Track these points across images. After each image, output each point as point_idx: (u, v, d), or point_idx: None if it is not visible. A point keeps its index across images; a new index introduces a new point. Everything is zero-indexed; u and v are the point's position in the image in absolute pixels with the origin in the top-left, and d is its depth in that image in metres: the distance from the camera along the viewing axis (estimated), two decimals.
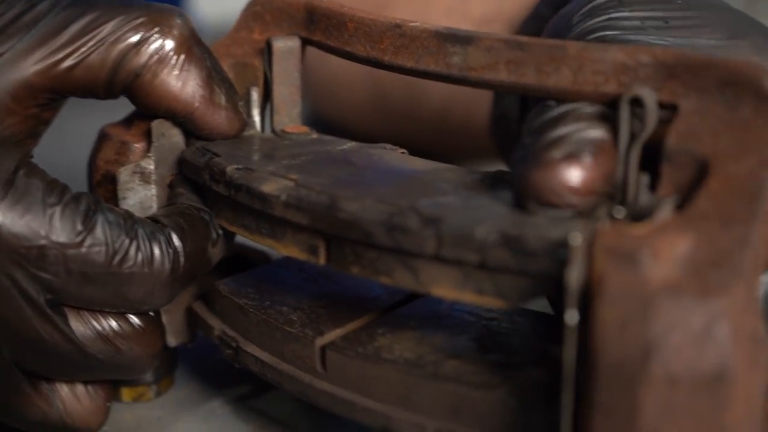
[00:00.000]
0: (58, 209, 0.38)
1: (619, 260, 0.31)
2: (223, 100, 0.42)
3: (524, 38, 0.37)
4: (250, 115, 0.45)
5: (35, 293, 0.39)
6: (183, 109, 0.42)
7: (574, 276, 0.31)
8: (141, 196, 0.43)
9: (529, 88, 0.37)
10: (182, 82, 0.41)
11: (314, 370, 0.39)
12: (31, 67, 0.39)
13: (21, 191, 0.38)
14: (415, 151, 0.43)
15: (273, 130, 0.45)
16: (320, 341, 0.39)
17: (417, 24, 0.40)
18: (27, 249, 0.38)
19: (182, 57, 0.41)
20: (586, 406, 0.31)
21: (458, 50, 0.38)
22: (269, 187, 0.38)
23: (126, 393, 0.46)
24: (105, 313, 0.40)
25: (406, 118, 0.59)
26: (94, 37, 0.40)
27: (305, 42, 0.45)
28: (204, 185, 0.41)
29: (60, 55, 0.40)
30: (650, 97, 0.34)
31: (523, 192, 0.35)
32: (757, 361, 0.30)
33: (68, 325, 0.40)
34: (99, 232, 0.39)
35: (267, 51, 0.45)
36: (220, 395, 0.47)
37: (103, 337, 0.40)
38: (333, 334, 0.39)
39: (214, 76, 0.42)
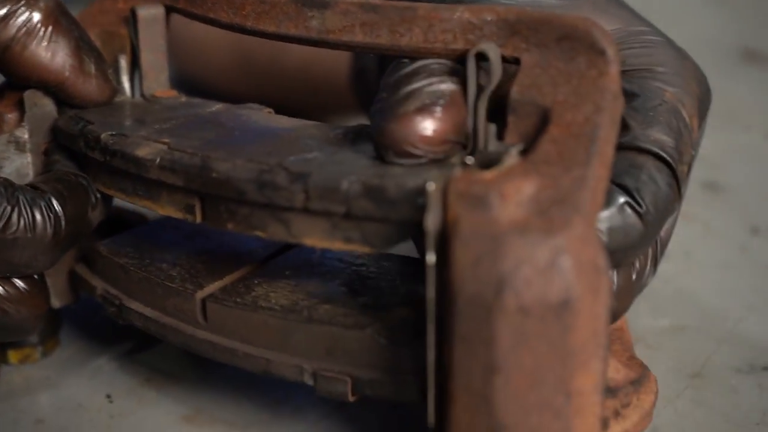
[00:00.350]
0: None
1: (470, 203, 0.34)
2: (92, 68, 0.44)
3: (377, 1, 0.40)
4: (119, 82, 0.46)
5: None
6: (54, 79, 0.43)
7: (431, 220, 0.34)
8: (17, 164, 0.45)
9: (384, 48, 0.40)
10: (51, 53, 0.43)
11: (196, 322, 0.41)
12: None
13: None
14: (281, 109, 0.45)
15: (142, 95, 0.47)
16: (200, 294, 0.41)
17: None
18: None
19: (50, 28, 0.43)
20: (448, 338, 0.34)
21: (316, 14, 0.41)
22: (143, 152, 0.40)
23: (12, 355, 0.47)
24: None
25: (269, 76, 0.61)
26: None
27: (169, 9, 0.46)
28: (79, 152, 0.43)
29: None
30: (494, 52, 0.37)
31: (381, 143, 0.38)
32: (598, 289, 0.34)
33: None
34: None
35: (132, 19, 0.46)
36: (106, 353, 0.49)
37: None
38: (212, 287, 0.42)
39: (82, 46, 0.44)
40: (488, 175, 0.35)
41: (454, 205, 0.34)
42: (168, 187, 0.40)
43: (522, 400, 0.34)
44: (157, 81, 0.47)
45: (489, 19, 0.38)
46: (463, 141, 0.38)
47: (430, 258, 0.34)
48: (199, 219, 0.40)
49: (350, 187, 0.36)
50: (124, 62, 0.47)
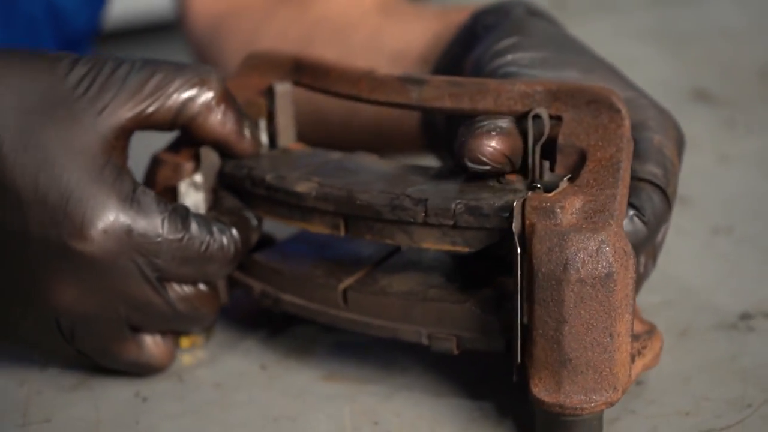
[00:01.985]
0: (166, 215, 0.57)
1: (542, 214, 0.52)
2: (247, 132, 0.62)
3: (459, 78, 0.58)
4: (260, 139, 0.64)
5: (150, 273, 0.57)
6: (223, 141, 0.61)
7: (516, 225, 0.52)
8: (194, 200, 0.62)
9: (465, 111, 0.57)
10: (222, 124, 0.60)
11: (338, 306, 0.59)
12: (125, 114, 0.58)
13: (140, 203, 0.57)
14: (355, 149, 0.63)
15: (278, 148, 0.64)
16: (341, 286, 0.59)
17: (384, 72, 0.60)
18: (148, 244, 0.57)
19: (222, 106, 0.60)
20: (530, 301, 0.52)
21: (415, 89, 0.59)
22: (301, 188, 0.58)
23: (184, 341, 0.64)
24: (188, 284, 0.59)
25: (344, 128, 0.79)
26: (165, 92, 0.58)
27: (296, 84, 0.64)
28: (243, 189, 0.60)
29: (144, 105, 0.58)
30: (545, 113, 0.55)
31: (461, 154, 0.55)
32: (627, 267, 0.52)
33: (167, 293, 0.58)
34: (193, 230, 0.58)
35: (270, 92, 0.64)
36: (250, 337, 0.66)
37: (186, 300, 0.59)
38: (348, 281, 0.59)
39: (241, 116, 0.61)
40: (551, 195, 0.53)
41: (531, 215, 0.52)
42: (319, 212, 0.58)
43: (581, 341, 0.52)
44: (288, 137, 0.64)
45: (539, 89, 0.56)
46: (515, 161, 0.56)
47: (518, 249, 0.52)
48: (342, 233, 0.58)
49: (456, 207, 0.54)
50: (263, 124, 0.64)
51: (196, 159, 0.62)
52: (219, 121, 0.60)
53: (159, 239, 0.57)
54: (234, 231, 0.59)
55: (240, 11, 0.90)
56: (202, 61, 0.93)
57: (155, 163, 0.63)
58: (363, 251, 0.63)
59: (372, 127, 0.78)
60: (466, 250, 0.55)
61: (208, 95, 0.59)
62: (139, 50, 1.20)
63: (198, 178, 0.62)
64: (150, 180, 0.62)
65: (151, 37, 1.69)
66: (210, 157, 0.62)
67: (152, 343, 0.61)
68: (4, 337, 0.61)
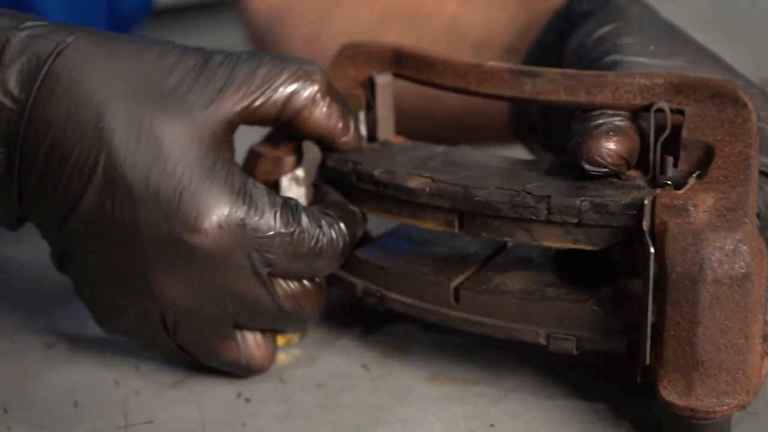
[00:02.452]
0: (278, 209, 0.55)
1: (674, 212, 0.50)
2: (351, 125, 0.60)
3: (575, 71, 0.56)
4: (361, 132, 0.62)
5: (261, 268, 0.56)
6: (327, 135, 0.59)
7: (647, 223, 0.51)
8: (295, 195, 0.60)
9: (582, 104, 0.56)
10: (328, 118, 0.59)
11: (449, 304, 0.57)
12: (234, 107, 0.56)
13: (252, 197, 0.55)
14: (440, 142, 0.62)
15: (377, 141, 0.62)
16: (453, 284, 0.57)
17: (494, 64, 0.58)
18: (261, 238, 0.55)
19: (327, 99, 0.58)
20: (660, 302, 0.51)
21: (528, 81, 0.57)
22: (413, 183, 0.56)
23: (280, 339, 0.63)
24: (294, 281, 0.58)
25: (425, 121, 0.77)
26: (271, 85, 0.57)
27: (396, 76, 0.62)
28: (348, 184, 0.59)
29: (251, 98, 0.56)
30: (667, 107, 0.54)
31: (579, 156, 0.54)
32: (762, 266, 0.50)
33: (275, 290, 0.57)
34: (304, 223, 0.56)
35: (370, 84, 0.62)
36: (344, 335, 0.64)
37: (293, 297, 0.58)
38: (459, 279, 0.58)
39: (345, 109, 0.60)
40: (682, 192, 0.51)
41: (662, 213, 0.51)
42: (432, 208, 0.56)
43: (715, 342, 0.50)
44: (387, 130, 0.63)
45: (659, 82, 0.54)
46: (632, 160, 0.54)
47: (650, 249, 0.51)
48: (456, 230, 0.56)
49: (581, 204, 0.52)
50: (362, 116, 0.62)
51: (297, 153, 0.60)
52: (324, 114, 0.59)
53: (271, 233, 0.55)
54: (342, 225, 0.58)
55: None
56: (260, 46, 0.92)
57: (254, 156, 0.61)
58: (467, 247, 0.61)
59: (457, 117, 0.76)
60: (589, 248, 0.53)
61: (314, 88, 0.58)
62: (189, 29, 1.18)
63: (300, 172, 0.60)
64: (249, 174, 0.61)
65: (202, 16, 1.66)
66: (312, 151, 0.60)
67: (253, 343, 0.59)
68: (108, 326, 0.59)
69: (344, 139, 0.60)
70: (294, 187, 0.60)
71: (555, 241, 0.54)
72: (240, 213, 0.55)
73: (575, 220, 0.53)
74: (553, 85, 0.56)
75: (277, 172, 0.60)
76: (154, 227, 0.55)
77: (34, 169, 0.55)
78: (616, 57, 0.60)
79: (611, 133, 0.54)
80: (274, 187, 0.60)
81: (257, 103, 0.57)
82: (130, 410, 0.58)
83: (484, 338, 0.58)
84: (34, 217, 0.58)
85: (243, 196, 0.55)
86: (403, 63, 0.62)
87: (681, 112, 0.54)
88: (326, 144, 0.60)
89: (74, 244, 0.56)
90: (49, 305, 0.69)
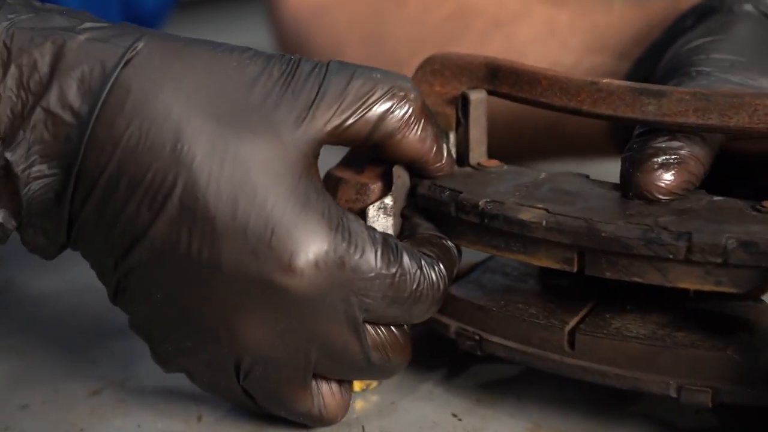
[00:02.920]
0: (379, 247, 0.49)
1: None
2: (444, 149, 0.54)
3: (707, 91, 0.50)
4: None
5: (357, 314, 0.49)
6: (420, 159, 0.53)
7: None
8: (383, 226, 0.54)
9: (714, 128, 0.50)
10: (422, 141, 0.52)
11: (562, 350, 0.51)
12: (324, 126, 0.49)
13: (351, 232, 0.49)
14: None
15: (470, 165, 0.56)
16: (567, 327, 0.51)
17: (611, 81, 0.52)
18: (361, 280, 0.49)
19: (422, 121, 0.52)
20: None
21: (652, 102, 0.51)
22: (526, 216, 0.50)
23: (357, 384, 0.56)
24: (384, 328, 0.51)
25: (512, 133, 0.71)
26: (365, 102, 0.50)
27: (491, 93, 0.56)
28: (445, 215, 0.53)
29: (344, 117, 0.50)
30: None
31: (626, 185, 0.50)
32: None
33: (366, 339, 0.50)
34: (405, 264, 0.50)
35: (462, 101, 0.56)
36: (427, 379, 0.58)
37: (381, 347, 0.51)
38: (573, 321, 0.52)
39: (440, 132, 0.53)
40: None
41: None
42: (547, 244, 0.50)
43: None
44: (480, 152, 0.57)
45: None
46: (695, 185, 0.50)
47: None
48: (576, 269, 0.50)
49: (727, 242, 0.46)
50: (452, 137, 0.56)
51: (385, 179, 0.54)
52: (418, 137, 0.52)
53: (372, 274, 0.49)
54: (442, 266, 0.52)
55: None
56: (295, 49, 0.85)
57: (334, 182, 0.55)
58: (572, 284, 0.55)
59: (550, 126, 0.70)
60: (732, 291, 0.48)
61: (408, 109, 0.52)
62: (210, 23, 1.10)
63: (389, 200, 0.54)
64: None
65: (223, 10, 1.58)
66: (402, 177, 0.54)
67: (328, 392, 0.53)
68: (169, 366, 0.53)
69: (438, 164, 0.54)
70: (382, 218, 0.54)
71: (693, 282, 0.48)
72: (339, 251, 0.48)
73: (719, 260, 0.47)
74: (680, 106, 0.50)
75: (363, 200, 0.54)
76: (239, 265, 0.48)
77: (93, 194, 0.48)
78: (705, 69, 0.54)
79: (667, 165, 0.50)
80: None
81: (349, 122, 0.50)
82: None
83: (581, 384, 0.52)
84: (86, 246, 0.51)
85: (341, 231, 0.49)
86: (500, 78, 0.56)
87: None
88: (419, 169, 0.54)
89: (136, 277, 0.50)
90: (89, 344, 0.62)
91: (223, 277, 0.48)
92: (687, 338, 0.50)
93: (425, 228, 0.54)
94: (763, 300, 0.52)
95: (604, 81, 0.52)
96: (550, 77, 0.54)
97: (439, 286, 0.51)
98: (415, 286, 0.50)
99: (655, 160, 0.50)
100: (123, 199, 0.48)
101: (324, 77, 0.50)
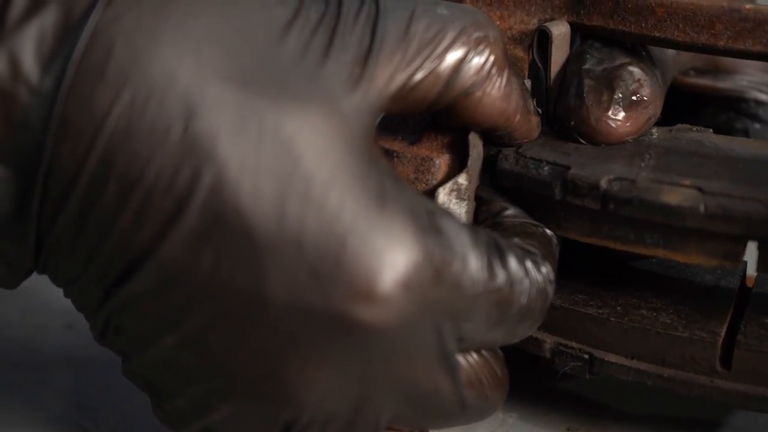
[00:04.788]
0: (484, 249, 0.35)
1: None
2: (532, 106, 0.40)
3: None
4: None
5: (452, 345, 0.35)
6: (505, 122, 0.39)
7: None
8: (456, 214, 0.40)
9: None
10: (507, 98, 0.38)
11: (713, 371, 0.38)
12: (388, 86, 0.35)
13: (445, 234, 0.35)
14: None
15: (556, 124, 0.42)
16: (720, 341, 0.38)
17: (759, 7, 0.39)
18: (461, 299, 0.35)
19: (506, 71, 0.38)
20: None
21: None
22: (674, 198, 0.37)
23: None
24: (478, 358, 0.37)
25: None
26: (433, 50, 0.36)
27: (576, 27, 0.42)
28: (546, 198, 0.39)
29: (409, 72, 0.36)
30: None
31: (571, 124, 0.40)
32: None
33: (460, 376, 0.36)
34: (513, 270, 0.36)
35: (540, 39, 0.42)
36: None
37: (476, 383, 0.38)
38: (722, 331, 0.39)
39: (525, 86, 0.39)
40: None
41: None
42: (701, 235, 0.37)
43: None
44: None
45: None
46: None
47: None
48: (739, 266, 0.37)
49: None
50: (528, 86, 0.42)
51: (455, 151, 0.40)
52: (502, 94, 0.38)
53: (478, 291, 0.35)
54: (548, 265, 0.38)
55: None
56: None
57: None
58: (701, 277, 0.42)
59: None
60: None
61: (489, 56, 0.37)
62: None
63: (462, 180, 0.39)
64: None
65: None
66: (477, 146, 0.40)
67: None
68: (184, 428, 0.37)
69: (525, 128, 0.40)
70: (454, 202, 0.39)
71: None
72: (435, 261, 0.34)
73: None
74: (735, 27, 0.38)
75: (426, 180, 0.39)
76: (293, 295, 0.33)
77: (69, 202, 0.33)
78: None
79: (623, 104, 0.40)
80: None
81: (417, 77, 0.36)
82: None
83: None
84: (60, 272, 0.35)
85: (433, 232, 0.34)
86: (591, 7, 0.42)
87: None
88: (499, 137, 0.40)
89: (137, 313, 0.34)
90: (65, 389, 0.46)
91: (269, 311, 0.33)
92: None
93: (513, 215, 0.40)
94: None
95: (749, 7, 0.39)
96: (668, 4, 0.40)
97: (548, 293, 0.37)
98: (525, 300, 0.36)
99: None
100: (113, 208, 0.33)
101: (377, 19, 0.35)
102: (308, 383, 0.35)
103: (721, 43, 0.39)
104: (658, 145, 0.40)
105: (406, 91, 0.36)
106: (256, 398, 0.35)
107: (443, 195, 0.39)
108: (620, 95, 0.40)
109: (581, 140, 0.40)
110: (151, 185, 0.32)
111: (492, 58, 0.37)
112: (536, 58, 0.42)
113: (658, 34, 0.40)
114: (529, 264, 0.37)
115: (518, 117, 0.39)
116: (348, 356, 0.34)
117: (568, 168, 0.39)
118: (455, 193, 0.39)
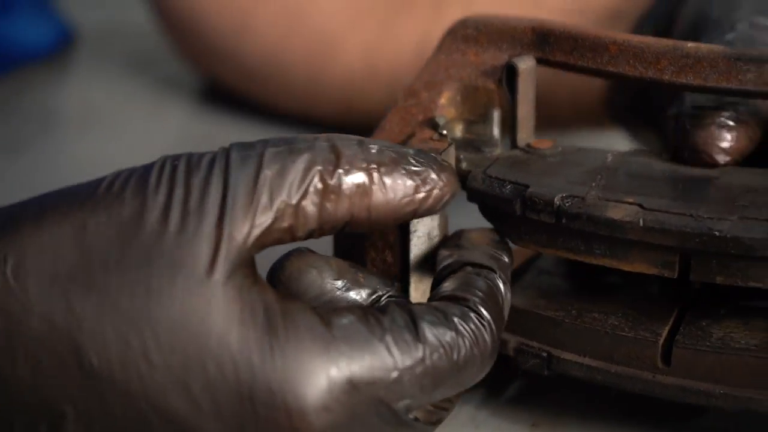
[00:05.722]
0: (385, 334, 0.38)
1: None
2: (434, 173, 0.41)
3: None
4: (492, 135, 0.47)
5: (398, 418, 0.39)
6: (403, 217, 0.41)
7: None
8: (428, 227, 0.45)
9: None
10: (388, 201, 0.40)
11: (655, 368, 0.43)
12: (247, 240, 0.38)
13: (345, 332, 0.38)
14: None
15: (517, 146, 0.47)
16: (661, 340, 0.43)
17: (699, 45, 0.44)
18: (387, 388, 0.38)
19: (378, 176, 0.40)
20: None
21: (752, 69, 0.43)
22: (617, 214, 0.42)
23: None
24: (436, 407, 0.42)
25: None
26: (279, 192, 0.39)
27: (541, 62, 0.47)
28: (507, 213, 0.44)
29: (268, 216, 0.38)
30: None
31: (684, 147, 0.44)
32: None
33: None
34: (430, 337, 0.39)
35: (508, 72, 0.47)
36: (466, 403, 0.49)
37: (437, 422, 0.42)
38: (664, 332, 0.44)
39: (410, 169, 0.41)
40: None
41: None
42: (641, 246, 0.42)
43: None
44: (528, 131, 0.48)
45: None
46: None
47: None
48: (676, 274, 0.42)
49: None
50: (496, 115, 0.47)
51: None
52: (383, 201, 0.40)
53: (396, 375, 0.38)
54: (482, 309, 0.41)
55: None
56: (178, 31, 0.75)
57: None
58: (638, 283, 0.47)
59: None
60: None
61: (355, 177, 0.39)
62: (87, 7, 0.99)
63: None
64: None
65: None
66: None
67: None
68: None
69: (428, 205, 0.41)
70: (427, 219, 0.45)
71: None
72: (344, 369, 0.37)
73: None
74: None
75: None
76: None
77: None
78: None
79: (726, 126, 0.44)
80: None
81: (279, 223, 0.39)
82: None
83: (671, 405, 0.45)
84: None
85: (334, 340, 0.38)
86: (553, 45, 0.47)
87: None
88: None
89: None
90: None
91: None
92: None
93: (476, 234, 0.44)
94: None
95: (690, 45, 0.44)
96: (620, 42, 0.45)
97: (484, 338, 0.40)
98: (455, 356, 0.39)
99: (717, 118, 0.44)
100: None
101: (227, 175, 0.38)
102: None
103: (666, 77, 0.45)
104: (611, 167, 0.45)
105: (273, 233, 0.38)
106: None
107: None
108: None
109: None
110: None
111: (359, 177, 0.39)
112: (505, 88, 0.47)
113: (611, 69, 0.46)
114: (455, 320, 0.39)
115: (413, 206, 0.41)
116: None
117: (526, 187, 0.44)
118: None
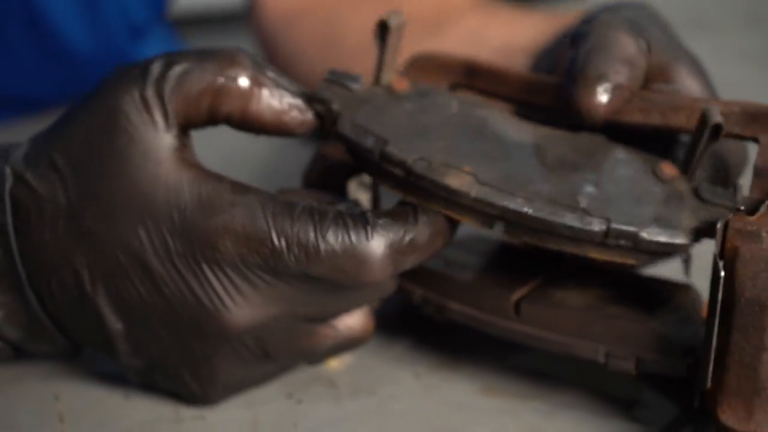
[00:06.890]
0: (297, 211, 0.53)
1: (746, 237, 0.50)
2: (300, 105, 0.55)
3: (650, 93, 0.56)
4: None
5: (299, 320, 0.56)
6: (278, 126, 0.56)
7: (717, 248, 0.51)
8: (363, 202, 0.60)
9: (657, 126, 0.56)
10: (268, 108, 0.55)
11: (509, 317, 0.57)
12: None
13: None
14: None
15: (381, 86, 0.58)
16: (514, 297, 0.57)
17: (546, 76, 0.59)
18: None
19: (261, 88, 0.54)
20: (726, 327, 0.51)
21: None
22: (455, 183, 0.53)
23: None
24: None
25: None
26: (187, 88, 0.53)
27: (466, 87, 0.62)
28: (371, 162, 0.55)
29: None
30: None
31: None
32: None
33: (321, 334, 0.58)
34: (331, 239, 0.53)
35: (381, 28, 0.57)
36: (398, 343, 0.64)
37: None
38: (520, 292, 0.58)
39: (291, 90, 0.55)
40: (755, 218, 0.51)
41: (734, 238, 0.51)
42: (469, 209, 0.54)
43: None
44: (389, 74, 0.58)
45: (735, 110, 0.54)
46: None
47: (721, 273, 0.50)
48: (491, 228, 0.54)
49: (640, 228, 0.52)
50: None
51: None
52: (264, 106, 0.54)
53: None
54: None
55: (316, 7, 0.88)
56: (272, 57, 0.92)
57: (319, 161, 0.61)
58: (532, 263, 0.61)
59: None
60: (632, 263, 0.53)
61: (241, 81, 0.54)
62: (205, 42, 1.19)
63: (366, 177, 0.60)
64: (320, 182, 0.61)
65: (218, 29, 1.67)
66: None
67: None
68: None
69: (301, 124, 0.56)
70: (363, 194, 0.60)
71: (600, 255, 0.53)
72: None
73: (631, 245, 0.52)
74: (628, 105, 0.56)
75: (342, 176, 0.60)
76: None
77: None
78: None
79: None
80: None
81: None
82: (182, 405, 0.58)
83: (538, 353, 0.59)
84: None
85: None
86: (477, 75, 0.62)
87: (756, 140, 0.54)
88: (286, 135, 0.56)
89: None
90: None
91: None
92: (618, 311, 0.56)
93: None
94: (691, 284, 0.58)
95: (545, 77, 0.59)
96: (516, 76, 0.60)
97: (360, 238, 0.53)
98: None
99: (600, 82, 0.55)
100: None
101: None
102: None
103: (547, 104, 0.59)
104: (457, 122, 0.56)
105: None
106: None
107: (353, 186, 0.60)
108: None
109: None
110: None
111: (245, 82, 0.53)
112: (378, 40, 0.57)
113: (517, 97, 0.60)
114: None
115: (288, 119, 0.55)
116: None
117: (386, 142, 0.55)
118: (363, 186, 0.60)
